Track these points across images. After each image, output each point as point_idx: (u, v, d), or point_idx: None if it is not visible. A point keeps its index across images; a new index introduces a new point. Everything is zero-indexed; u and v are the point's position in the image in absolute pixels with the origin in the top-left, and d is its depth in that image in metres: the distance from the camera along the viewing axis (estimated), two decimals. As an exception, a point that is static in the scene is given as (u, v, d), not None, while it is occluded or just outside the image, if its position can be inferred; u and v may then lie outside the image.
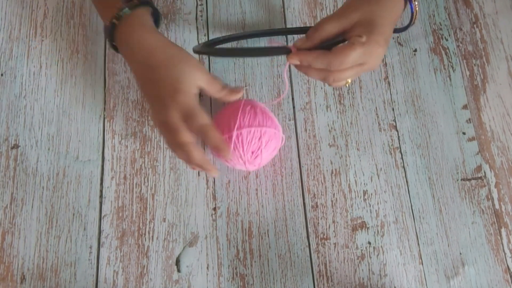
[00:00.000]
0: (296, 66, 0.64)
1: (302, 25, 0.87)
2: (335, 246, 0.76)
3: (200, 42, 0.85)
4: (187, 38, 0.85)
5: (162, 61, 0.66)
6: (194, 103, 0.65)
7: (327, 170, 0.79)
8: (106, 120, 0.81)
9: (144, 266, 0.74)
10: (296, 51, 0.62)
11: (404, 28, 0.73)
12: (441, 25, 0.88)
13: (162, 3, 0.87)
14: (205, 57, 0.85)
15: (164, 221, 0.76)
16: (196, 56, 0.74)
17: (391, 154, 0.81)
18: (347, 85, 0.64)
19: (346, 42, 0.61)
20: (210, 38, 0.86)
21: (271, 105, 0.82)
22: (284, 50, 0.63)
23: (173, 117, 0.64)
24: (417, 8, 0.68)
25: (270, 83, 0.83)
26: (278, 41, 0.83)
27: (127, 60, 0.70)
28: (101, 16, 0.72)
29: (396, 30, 0.73)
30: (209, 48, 0.73)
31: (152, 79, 0.66)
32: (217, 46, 0.75)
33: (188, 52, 0.67)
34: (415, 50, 0.87)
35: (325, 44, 0.62)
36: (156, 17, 0.73)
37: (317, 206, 0.78)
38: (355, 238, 0.76)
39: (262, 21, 0.87)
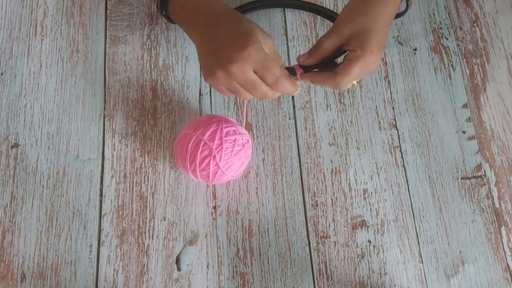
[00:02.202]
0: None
1: (302, 23, 0.87)
2: (335, 245, 0.76)
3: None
4: (187, 37, 0.85)
5: (229, 16, 0.67)
6: (267, 54, 0.64)
7: (327, 169, 0.79)
8: (106, 119, 0.81)
9: (144, 264, 0.74)
10: (301, 72, 0.66)
11: (401, 14, 0.75)
12: (441, 24, 0.88)
13: (162, 2, 0.87)
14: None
15: (164, 219, 0.76)
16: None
17: (391, 152, 0.81)
18: (353, 86, 0.67)
19: (345, 55, 0.65)
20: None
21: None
22: (293, 72, 0.66)
23: (247, 72, 0.62)
24: None
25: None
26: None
27: (187, 25, 0.70)
28: None
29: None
30: None
31: (217, 35, 0.65)
32: None
33: None
34: (415, 49, 0.87)
35: (327, 58, 0.66)
36: None
37: (317, 205, 0.78)
38: (355, 236, 0.76)
39: (262, 20, 0.87)
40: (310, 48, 0.67)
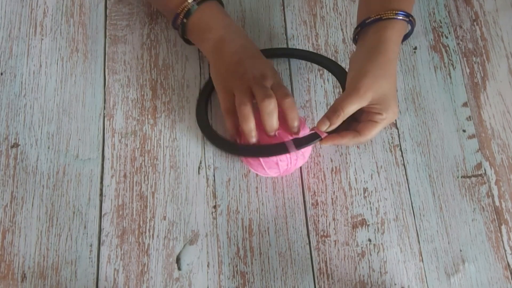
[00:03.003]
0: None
1: (302, 23, 0.87)
2: (335, 244, 0.76)
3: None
4: (187, 36, 0.85)
5: (251, 50, 0.76)
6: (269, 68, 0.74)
7: (327, 168, 0.79)
8: (106, 118, 0.81)
9: (145, 264, 0.74)
10: (326, 135, 0.68)
11: (408, 35, 0.74)
12: (441, 22, 0.88)
13: (162, 1, 0.87)
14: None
15: (165, 219, 0.76)
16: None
17: (391, 151, 0.81)
18: None
19: (364, 116, 0.69)
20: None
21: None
22: (316, 137, 0.68)
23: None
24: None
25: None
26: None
27: (203, 44, 0.78)
28: (166, 11, 0.81)
29: None
30: (231, 145, 0.75)
31: (230, 51, 0.75)
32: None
33: None
34: (415, 48, 0.87)
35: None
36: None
37: (317, 204, 0.78)
38: (355, 235, 0.76)
39: (262, 20, 0.87)
40: (327, 109, 0.69)
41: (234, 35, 0.77)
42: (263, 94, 0.68)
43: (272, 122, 0.68)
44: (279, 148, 0.68)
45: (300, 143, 0.68)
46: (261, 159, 0.70)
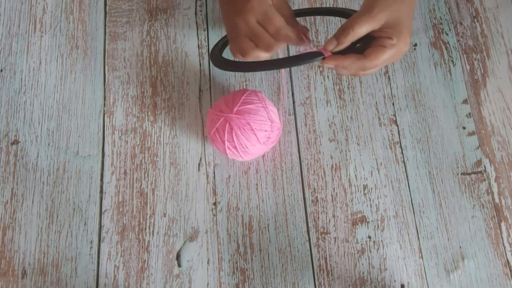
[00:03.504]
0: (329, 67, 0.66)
1: (302, 19, 0.87)
2: (335, 241, 0.76)
3: (199, 37, 0.85)
4: (187, 33, 0.85)
5: None
6: (270, 8, 0.65)
7: (327, 165, 0.79)
8: (106, 115, 0.81)
9: (145, 260, 0.74)
10: (330, 54, 0.63)
11: None
12: (441, 19, 0.88)
13: (162, -2, 0.87)
14: (206, 59, 0.84)
15: (165, 216, 0.76)
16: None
17: (391, 148, 0.81)
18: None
19: (373, 41, 0.62)
20: (209, 34, 0.85)
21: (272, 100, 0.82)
22: (319, 55, 0.63)
23: (250, 22, 0.65)
24: None
25: (270, 78, 0.83)
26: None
27: None
28: None
29: None
30: (235, 63, 0.71)
31: None
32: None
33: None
34: (416, 45, 0.86)
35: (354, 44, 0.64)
36: None
37: (317, 201, 0.78)
38: (355, 232, 0.76)
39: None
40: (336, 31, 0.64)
41: None
42: (264, 45, 0.65)
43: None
44: (283, 62, 0.66)
45: (301, 58, 0.65)
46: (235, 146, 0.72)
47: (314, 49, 0.64)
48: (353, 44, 0.63)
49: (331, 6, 0.89)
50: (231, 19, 0.66)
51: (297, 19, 0.72)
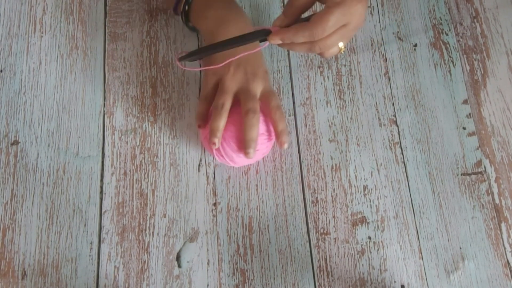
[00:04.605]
0: (279, 44, 0.61)
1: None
2: (335, 241, 0.76)
3: (199, 38, 0.85)
4: (187, 33, 0.85)
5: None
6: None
7: (327, 165, 0.79)
8: (106, 116, 0.81)
9: (145, 261, 0.74)
10: (277, 30, 0.59)
11: None
12: (441, 19, 0.88)
13: (162, -2, 0.87)
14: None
15: (165, 216, 0.76)
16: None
17: (391, 149, 0.81)
18: (342, 52, 0.61)
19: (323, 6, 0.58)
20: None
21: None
22: (264, 33, 0.60)
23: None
24: None
25: (270, 78, 0.83)
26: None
27: (204, 31, 0.77)
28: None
29: None
30: (190, 52, 0.70)
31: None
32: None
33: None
34: (415, 45, 0.86)
35: (305, 18, 0.59)
36: None
37: (317, 201, 0.78)
38: (355, 233, 0.76)
39: (261, 17, 0.87)
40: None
41: (235, 16, 0.76)
42: (249, 106, 0.69)
43: (252, 134, 0.69)
44: (228, 43, 0.64)
45: (247, 37, 0.62)
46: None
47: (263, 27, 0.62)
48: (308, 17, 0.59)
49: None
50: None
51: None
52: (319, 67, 0.84)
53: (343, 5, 0.55)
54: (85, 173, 0.78)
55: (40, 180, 0.77)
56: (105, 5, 0.87)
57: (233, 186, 0.78)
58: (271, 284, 0.74)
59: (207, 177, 0.78)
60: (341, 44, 0.60)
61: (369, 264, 0.75)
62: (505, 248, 0.76)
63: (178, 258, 0.74)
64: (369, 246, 0.76)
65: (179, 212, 0.76)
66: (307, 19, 0.59)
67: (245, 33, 0.62)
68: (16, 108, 0.80)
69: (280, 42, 0.59)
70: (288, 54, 0.85)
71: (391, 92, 0.83)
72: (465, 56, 0.86)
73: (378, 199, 0.78)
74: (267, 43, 0.61)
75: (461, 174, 0.80)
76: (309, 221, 0.77)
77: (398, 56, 0.85)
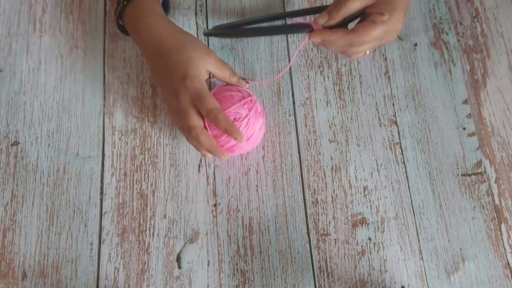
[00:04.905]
0: (316, 42, 0.65)
1: (302, 20, 0.87)
2: (335, 242, 0.76)
3: (199, 38, 0.85)
4: (187, 33, 0.85)
5: (171, 48, 0.68)
6: (203, 87, 0.67)
7: (327, 166, 0.79)
8: (106, 116, 0.81)
9: (145, 262, 0.74)
10: (319, 28, 0.62)
11: None
12: (441, 19, 0.88)
13: (162, -2, 0.87)
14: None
15: (165, 217, 0.76)
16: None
17: (391, 149, 0.81)
18: (365, 56, 0.66)
19: (366, 18, 0.61)
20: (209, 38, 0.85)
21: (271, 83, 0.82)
22: (306, 28, 0.62)
23: (182, 102, 0.66)
24: None
25: (270, 77, 0.83)
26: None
27: (138, 45, 0.73)
28: (111, 3, 0.76)
29: None
30: (221, 30, 0.71)
31: (161, 65, 0.68)
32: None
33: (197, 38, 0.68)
34: (416, 45, 0.86)
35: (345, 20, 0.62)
36: (165, 3, 0.77)
37: (317, 202, 0.78)
38: (355, 234, 0.76)
39: (261, 15, 0.87)
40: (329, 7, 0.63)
41: (168, 26, 0.72)
42: (193, 136, 0.68)
43: (216, 150, 0.70)
44: (271, 30, 0.69)
45: (290, 27, 0.65)
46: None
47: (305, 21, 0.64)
48: (346, 22, 0.62)
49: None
50: (168, 99, 0.69)
51: (296, 19, 0.72)
52: (319, 66, 0.84)
53: (387, 24, 0.60)
54: (85, 173, 0.78)
55: (40, 181, 0.77)
56: (105, 5, 0.86)
57: (233, 187, 0.78)
58: (271, 284, 0.74)
59: (207, 177, 0.78)
60: (368, 50, 0.64)
61: (369, 265, 0.75)
62: (505, 249, 0.76)
63: (178, 259, 0.75)
64: (369, 247, 0.76)
65: (179, 213, 0.76)
66: (346, 23, 0.62)
67: (287, 24, 0.64)
68: (16, 108, 0.80)
69: (320, 41, 0.63)
70: (288, 54, 0.85)
71: (391, 92, 0.83)
72: (465, 55, 0.86)
73: (378, 199, 0.78)
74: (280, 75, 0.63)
75: (461, 175, 0.80)
76: (309, 222, 0.77)
77: (398, 55, 0.85)
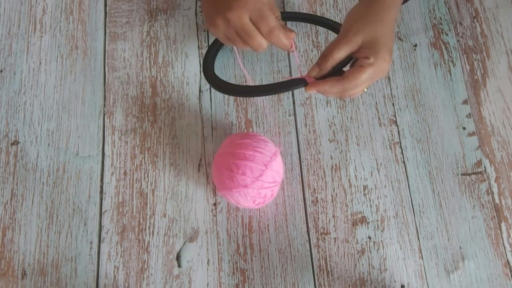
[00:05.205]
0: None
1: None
2: (335, 241, 0.76)
3: (199, 38, 0.85)
4: (187, 33, 0.85)
5: None
6: (264, 5, 0.64)
7: (327, 165, 0.79)
8: (106, 116, 0.81)
9: (145, 261, 0.74)
10: (312, 81, 0.64)
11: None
12: (441, 19, 0.88)
13: (162, -2, 0.87)
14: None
15: (165, 216, 0.76)
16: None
17: (391, 149, 0.81)
18: (363, 92, 0.69)
19: (353, 61, 0.64)
20: (209, 35, 0.85)
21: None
22: (301, 83, 0.65)
23: (243, 18, 0.63)
24: None
25: (270, 78, 0.83)
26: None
27: None
28: None
29: None
30: (224, 85, 0.71)
31: None
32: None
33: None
34: (415, 45, 0.86)
35: (335, 68, 0.65)
36: None
37: (317, 201, 0.78)
38: (355, 232, 0.76)
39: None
40: (318, 56, 0.66)
41: None
42: (255, 45, 0.65)
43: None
44: (269, 89, 0.68)
45: (286, 85, 0.66)
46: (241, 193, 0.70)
47: (298, 76, 0.66)
48: (339, 67, 0.65)
49: (328, 8, 0.89)
50: (220, 13, 0.64)
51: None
52: (319, 67, 0.84)
53: (375, 66, 0.62)
54: (85, 172, 0.78)
55: (40, 180, 0.77)
56: (105, 5, 0.87)
57: (233, 186, 0.78)
58: (271, 283, 0.74)
59: (207, 177, 0.78)
60: (365, 88, 0.66)
61: (369, 264, 0.75)
62: (505, 248, 0.76)
63: (178, 257, 0.74)
64: (369, 246, 0.76)
65: (179, 211, 0.76)
66: (339, 69, 0.65)
67: (283, 81, 0.67)
68: (16, 107, 0.80)
69: (315, 92, 0.65)
70: (288, 54, 0.85)
71: (391, 92, 0.83)
72: (465, 56, 0.86)
73: (378, 198, 0.78)
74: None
75: (461, 174, 0.80)
76: (309, 221, 0.77)
77: (398, 56, 0.85)
